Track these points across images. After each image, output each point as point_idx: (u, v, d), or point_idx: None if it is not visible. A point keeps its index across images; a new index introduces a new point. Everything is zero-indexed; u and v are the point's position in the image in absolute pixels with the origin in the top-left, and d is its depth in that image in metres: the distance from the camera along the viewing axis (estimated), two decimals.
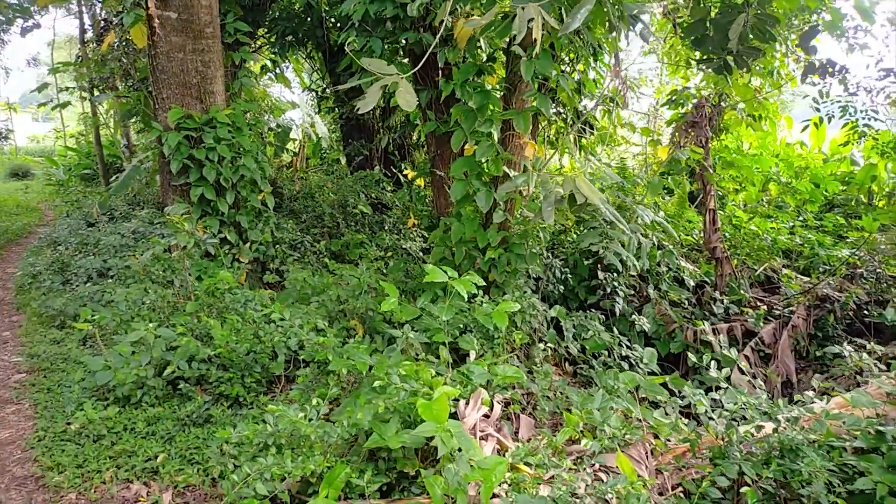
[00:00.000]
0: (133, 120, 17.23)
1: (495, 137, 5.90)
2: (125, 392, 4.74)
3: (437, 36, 5.39)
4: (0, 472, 4.21)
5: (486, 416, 3.68)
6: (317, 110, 16.16)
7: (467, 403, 3.61)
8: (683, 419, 4.62)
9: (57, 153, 24.23)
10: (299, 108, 17.82)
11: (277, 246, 7.75)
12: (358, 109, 3.78)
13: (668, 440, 4.08)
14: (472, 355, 3.96)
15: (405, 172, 11.57)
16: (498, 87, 6.54)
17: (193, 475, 3.90)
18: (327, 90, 14.45)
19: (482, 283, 4.24)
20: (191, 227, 5.70)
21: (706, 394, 5.63)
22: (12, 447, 4.55)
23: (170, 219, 5.85)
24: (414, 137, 12.65)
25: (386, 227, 9.11)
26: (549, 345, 5.25)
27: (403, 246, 7.93)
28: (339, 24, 10.71)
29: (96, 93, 18.51)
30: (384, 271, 7.11)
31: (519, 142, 6.03)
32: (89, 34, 17.76)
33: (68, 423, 4.59)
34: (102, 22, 16.38)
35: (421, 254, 7.84)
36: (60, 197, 17.61)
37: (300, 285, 6.23)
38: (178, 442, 4.29)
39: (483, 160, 5.75)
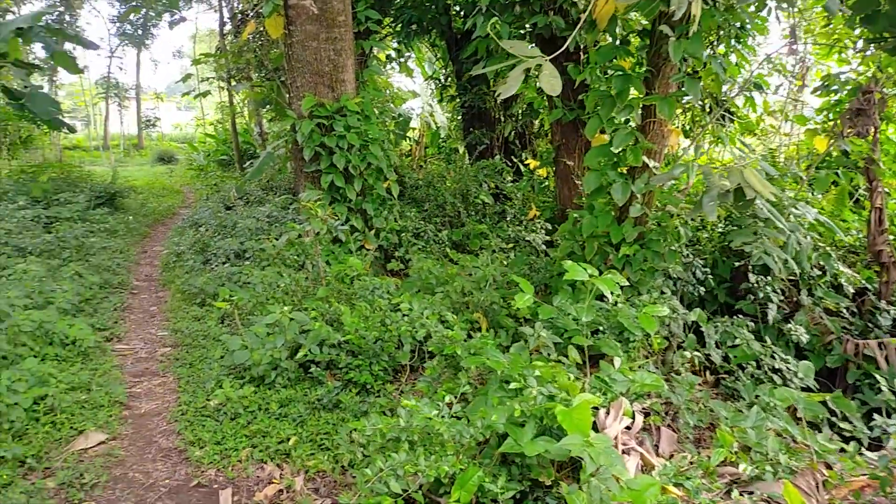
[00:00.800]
0: (266, 109, 18.16)
1: (634, 124, 5.53)
2: (260, 372, 4.90)
3: (574, 18, 5.09)
4: (148, 443, 4.47)
5: (627, 427, 3.42)
6: (438, 99, 16.21)
7: (607, 413, 3.36)
8: (844, 444, 4.10)
9: (197, 140, 26.08)
10: (420, 97, 17.99)
11: (402, 234, 7.78)
12: (499, 95, 3.60)
13: (832, 468, 3.62)
14: (617, 362, 3.70)
15: (526, 162, 11.31)
16: (632, 70, 6.12)
17: (324, 461, 3.94)
18: (449, 78, 14.44)
19: (624, 281, 3.95)
20: (324, 213, 5.80)
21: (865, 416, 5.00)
22: (158, 419, 4.83)
23: (304, 205, 5.99)
24: (536, 126, 12.34)
25: (507, 218, 8.92)
26: (688, 352, 4.86)
27: (526, 238, 7.71)
28: (463, 12, 10.60)
29: (233, 83, 19.65)
30: (506, 263, 6.93)
31: (661, 130, 5.61)
32: (228, 27, 18.84)
33: (208, 400, 4.81)
34: (240, 14, 17.31)
35: (544, 247, 7.58)
36: (200, 181, 18.92)
37: (424, 275, 6.19)
38: (309, 426, 4.36)
39: (620, 149, 5.40)
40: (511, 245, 7.63)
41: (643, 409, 3.92)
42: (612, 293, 3.86)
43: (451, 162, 13.88)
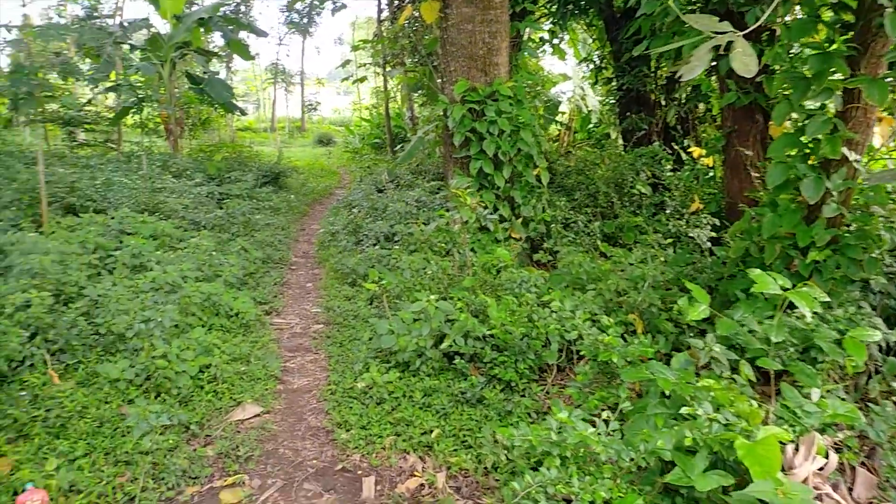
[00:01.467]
0: (417, 94, 18.48)
1: (831, 111, 4.78)
2: (405, 358, 4.87)
3: None
4: (298, 420, 4.60)
5: (820, 468, 2.92)
6: (591, 82, 15.53)
7: (796, 449, 2.89)
8: None
9: (353, 123, 27.27)
10: (570, 80, 17.38)
11: (553, 224, 7.46)
12: (679, 76, 3.19)
13: None
14: (815, 394, 3.18)
15: (689, 150, 10.45)
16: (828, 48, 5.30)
17: (467, 460, 3.80)
18: (605, 60, 13.76)
19: (824, 296, 3.39)
20: (473, 201, 5.65)
21: None
22: (309, 396, 4.97)
23: (453, 192, 5.88)
24: (701, 110, 11.38)
25: (667, 211, 8.27)
26: (887, 378, 4.14)
27: (689, 234, 7.08)
28: None
29: (388, 68, 20.18)
30: (665, 260, 6.39)
31: (866, 117, 4.81)
32: (385, 13, 19.32)
33: (355, 381, 4.87)
34: (398, 1, 17.67)
35: (709, 244, 6.92)
36: (355, 163, 19.74)
37: (574, 269, 5.85)
38: (452, 420, 4.24)
39: (813, 139, 4.70)
40: (670, 240, 7.04)
41: (834, 443, 3.36)
42: (810, 310, 3.31)
43: (601, 148, 13.25)
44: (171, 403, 4.44)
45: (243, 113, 17.01)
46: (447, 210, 6.12)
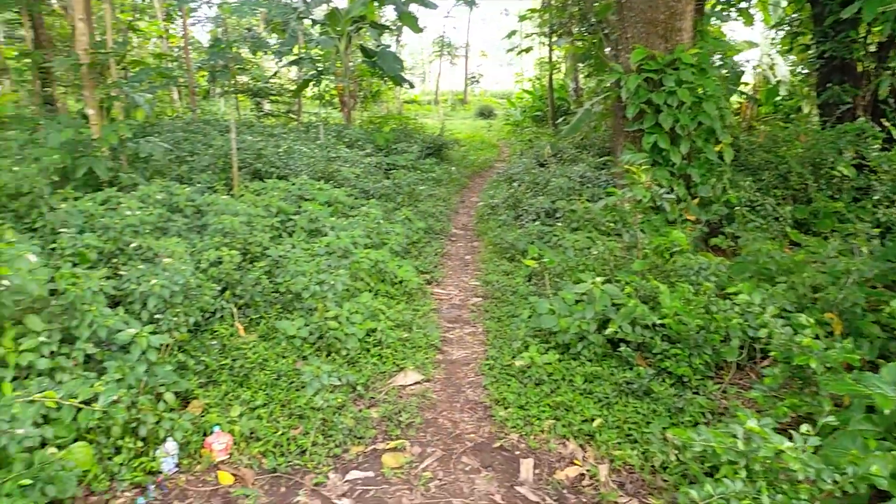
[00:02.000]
0: (584, 64, 17.80)
1: None
2: (566, 340, 4.70)
3: None
4: (457, 391, 4.62)
5: None
6: (784, 49, 13.95)
7: None
8: None
9: (514, 96, 27.03)
10: (757, 47, 15.75)
11: (737, 207, 6.81)
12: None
13: None
14: None
15: None
16: None
17: (632, 455, 3.58)
18: (802, 24, 12.25)
19: None
20: (648, 178, 5.28)
21: None
22: (467, 368, 4.98)
23: (625, 168, 5.53)
24: None
25: (874, 197, 7.22)
26: None
27: None
28: None
29: (554, 38, 19.60)
30: (871, 252, 5.57)
31: None
32: None
33: (513, 359, 4.79)
34: None
35: None
36: (515, 136, 19.59)
37: (761, 258, 5.28)
38: (616, 410, 4.02)
39: None
40: (877, 230, 6.13)
41: None
42: None
43: (791, 123, 11.90)
44: (340, 363, 4.66)
45: (411, 86, 17.46)
46: (617, 187, 5.78)
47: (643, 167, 5.54)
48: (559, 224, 7.46)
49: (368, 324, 5.09)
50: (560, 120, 17.91)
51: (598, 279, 4.71)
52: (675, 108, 7.11)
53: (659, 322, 4.51)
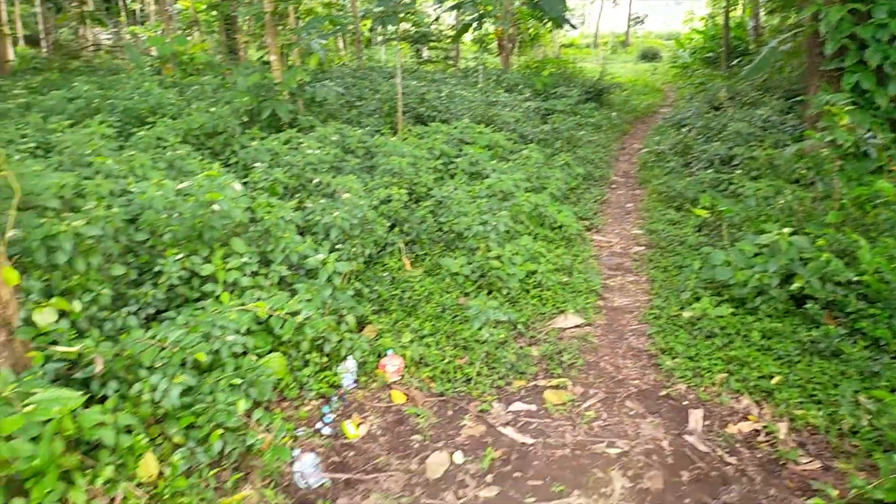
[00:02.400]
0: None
1: None
2: (742, 294, 4.41)
3: None
4: (619, 338, 4.54)
5: None
6: None
7: None
8: None
9: (683, 36, 25.08)
10: None
11: None
12: None
13: None
14: None
15: None
16: None
17: (817, 417, 3.32)
18: None
19: None
20: (851, 121, 4.69)
21: None
22: (630, 316, 4.86)
23: (823, 111, 4.95)
24: None
25: None
26: None
27: None
28: None
29: None
30: None
31: None
32: None
33: (681, 310, 4.59)
34: None
35: None
36: (683, 79, 18.27)
37: None
38: (798, 369, 3.73)
39: None
40: None
41: None
42: None
43: None
44: (502, 302, 4.74)
45: (573, 27, 16.81)
46: (804, 130, 5.21)
47: (849, 110, 4.91)
48: (737, 172, 6.91)
49: (528, 266, 5.11)
50: (735, 61, 16.38)
51: (785, 230, 4.33)
52: (884, 44, 6.23)
53: (855, 279, 4.08)
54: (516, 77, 13.91)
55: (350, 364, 3.84)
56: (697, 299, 4.55)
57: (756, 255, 4.56)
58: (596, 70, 18.05)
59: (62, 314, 2.78)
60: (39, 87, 10.18)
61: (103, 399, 2.76)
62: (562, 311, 4.83)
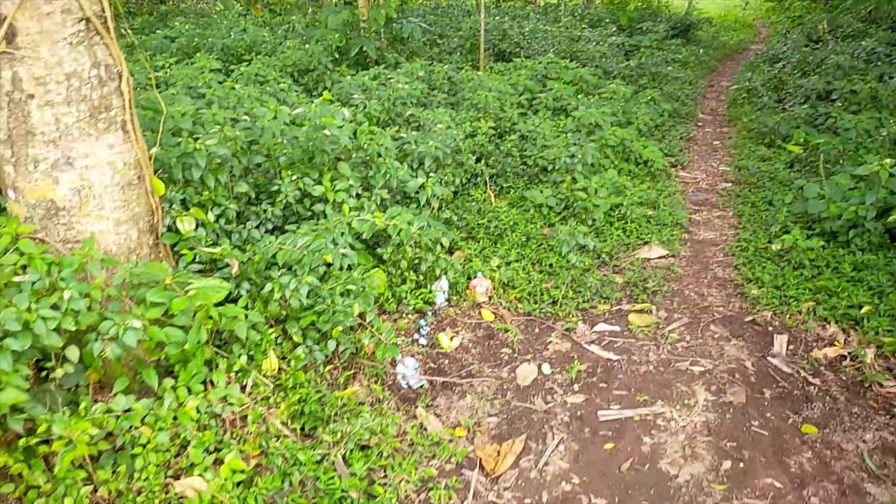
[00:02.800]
0: None
1: None
2: (834, 227, 4.38)
3: None
4: (704, 268, 4.61)
5: None
6: None
7: None
8: None
9: None
10: None
11: None
12: None
13: None
14: None
15: None
16: None
17: None
18: None
19: None
20: None
21: None
22: (715, 249, 4.90)
23: None
24: None
25: None
26: None
27: None
28: None
29: None
30: None
31: None
32: None
33: (769, 242, 4.60)
34: None
35: None
36: (777, 14, 17.16)
37: None
38: (890, 299, 3.73)
39: None
40: None
41: None
42: None
43: None
44: (587, 232, 4.87)
45: None
46: None
47: None
48: (836, 106, 6.64)
49: (613, 199, 5.19)
50: None
51: (887, 161, 4.22)
52: None
53: None
54: (600, 12, 13.50)
55: (443, 283, 4.10)
56: (787, 232, 4.54)
57: (852, 188, 4.48)
58: (683, 5, 17.19)
59: (198, 224, 3.14)
60: (140, 29, 10.74)
61: (235, 301, 3.13)
62: (646, 243, 4.91)
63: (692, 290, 4.29)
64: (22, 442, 2.21)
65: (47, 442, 2.33)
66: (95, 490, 2.42)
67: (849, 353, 3.45)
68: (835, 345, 3.54)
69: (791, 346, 3.58)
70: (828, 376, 3.33)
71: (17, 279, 2.26)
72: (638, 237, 4.99)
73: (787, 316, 3.82)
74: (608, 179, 5.38)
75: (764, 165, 6.19)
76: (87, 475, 2.40)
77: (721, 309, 4.03)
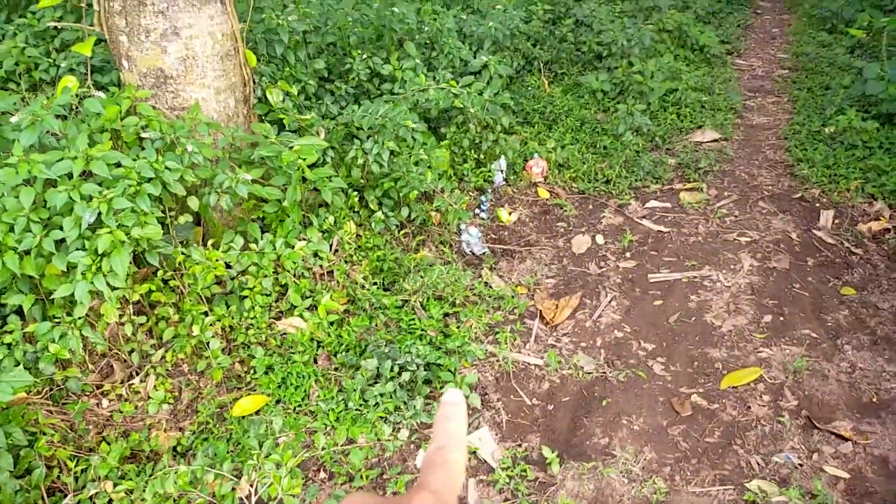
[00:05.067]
0: None
1: None
2: (892, 109, 4.40)
3: None
4: (755, 151, 4.71)
5: None
6: None
7: None
8: None
9: None
10: None
11: None
12: None
13: None
14: None
15: None
16: None
17: None
18: None
19: None
20: None
21: None
22: (768, 133, 4.97)
23: None
24: None
25: None
26: None
27: None
28: None
29: None
30: None
31: None
32: None
33: (823, 126, 4.66)
34: None
35: None
36: None
37: None
38: None
39: None
40: None
41: None
42: None
43: None
44: (643, 110, 4.97)
45: None
46: None
47: None
48: None
49: (668, 84, 5.23)
50: None
51: None
52: None
53: None
54: None
55: (502, 163, 4.33)
56: (842, 114, 4.57)
57: None
58: None
59: (285, 96, 3.39)
60: None
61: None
62: (699, 127, 5.01)
63: (743, 171, 4.44)
64: (161, 273, 2.61)
65: (172, 279, 2.73)
66: (212, 324, 2.84)
67: (893, 227, 3.61)
68: (880, 219, 3.71)
69: (836, 221, 3.76)
70: (870, 247, 3.52)
71: (143, 135, 2.57)
72: (691, 121, 5.07)
73: (836, 193, 3.97)
74: (664, 64, 5.40)
75: (824, 51, 6.08)
76: (205, 312, 2.81)
77: (770, 187, 4.19)
